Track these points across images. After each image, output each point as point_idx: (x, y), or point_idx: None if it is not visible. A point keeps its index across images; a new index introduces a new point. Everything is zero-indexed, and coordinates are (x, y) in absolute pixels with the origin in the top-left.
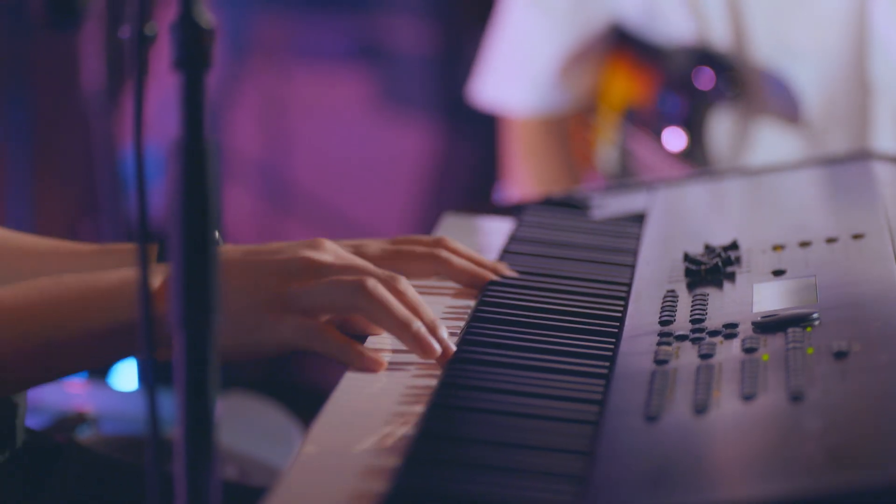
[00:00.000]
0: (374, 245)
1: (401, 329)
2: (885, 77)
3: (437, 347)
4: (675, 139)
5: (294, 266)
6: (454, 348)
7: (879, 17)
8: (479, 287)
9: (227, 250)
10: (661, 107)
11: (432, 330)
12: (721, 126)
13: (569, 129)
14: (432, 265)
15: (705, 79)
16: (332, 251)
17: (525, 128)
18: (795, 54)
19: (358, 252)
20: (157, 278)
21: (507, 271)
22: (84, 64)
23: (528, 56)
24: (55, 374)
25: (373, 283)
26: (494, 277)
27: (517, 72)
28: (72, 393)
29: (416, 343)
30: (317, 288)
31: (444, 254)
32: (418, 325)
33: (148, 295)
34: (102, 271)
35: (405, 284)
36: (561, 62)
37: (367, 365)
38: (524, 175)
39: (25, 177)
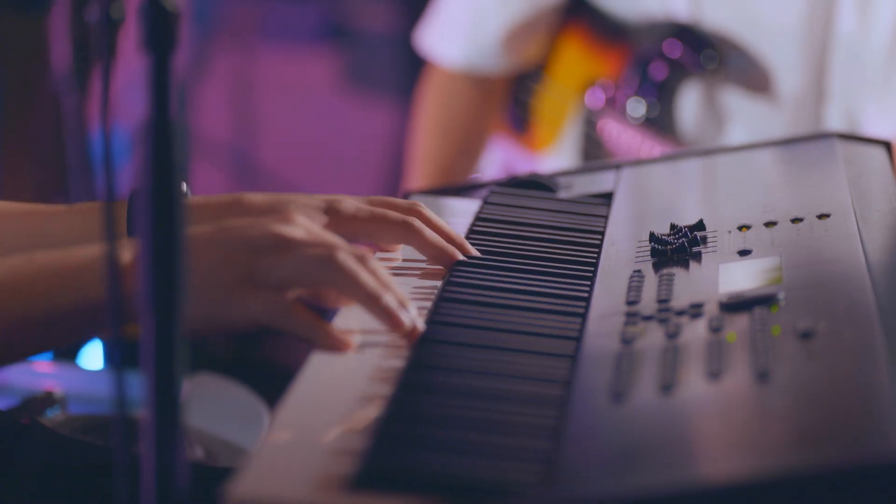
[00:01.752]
0: (350, 203)
1: (370, 301)
2: (844, 79)
3: (407, 321)
4: (640, 108)
5: (264, 241)
6: (423, 327)
7: (844, 20)
8: (445, 264)
9: (196, 225)
10: (633, 80)
11: (402, 307)
12: (690, 99)
13: (492, 84)
14: (403, 233)
15: (676, 51)
16: (302, 225)
17: (447, 75)
18: (754, 35)
19: (332, 206)
20: (128, 253)
21: (474, 251)
22: (52, 46)
23: (476, 15)
24: (27, 351)
25: (343, 256)
26: (460, 257)
27: (461, 27)
28: (39, 373)
29: (385, 316)
30: (286, 262)
31: (417, 224)
32: (388, 298)
33: (116, 269)
34: (73, 249)
35: (375, 262)
36: (509, 28)
37: (335, 344)
38: (428, 126)
39: None
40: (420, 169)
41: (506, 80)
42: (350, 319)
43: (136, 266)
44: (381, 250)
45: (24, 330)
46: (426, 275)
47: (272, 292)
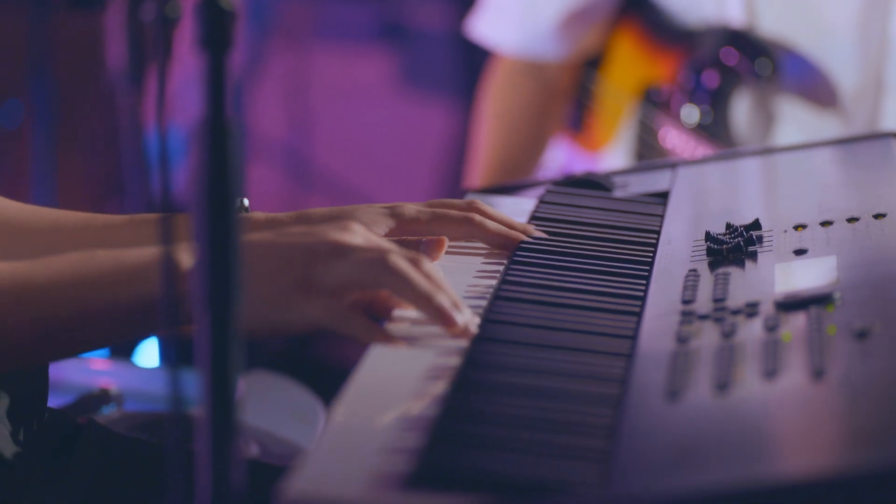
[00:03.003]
0: (411, 207)
1: (423, 302)
2: None
3: (460, 320)
4: (694, 114)
5: (322, 248)
6: (475, 327)
7: None
8: (511, 249)
9: (257, 230)
10: (688, 86)
11: (455, 307)
12: (744, 106)
13: (553, 78)
14: (467, 228)
15: (731, 58)
16: (360, 233)
17: (510, 63)
18: (810, 38)
19: (394, 213)
20: (186, 255)
21: (537, 232)
22: (107, 44)
23: (533, 1)
24: (84, 347)
25: (395, 258)
26: (525, 238)
27: (517, 13)
28: (96, 370)
29: (438, 315)
30: (341, 266)
31: (478, 218)
32: (441, 298)
33: (172, 273)
34: (133, 248)
35: (429, 264)
36: (564, 14)
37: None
38: (492, 114)
39: (49, 158)
40: (483, 162)
41: (568, 74)
42: (406, 315)
43: (194, 262)
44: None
45: (83, 324)
46: (482, 274)
47: (329, 296)
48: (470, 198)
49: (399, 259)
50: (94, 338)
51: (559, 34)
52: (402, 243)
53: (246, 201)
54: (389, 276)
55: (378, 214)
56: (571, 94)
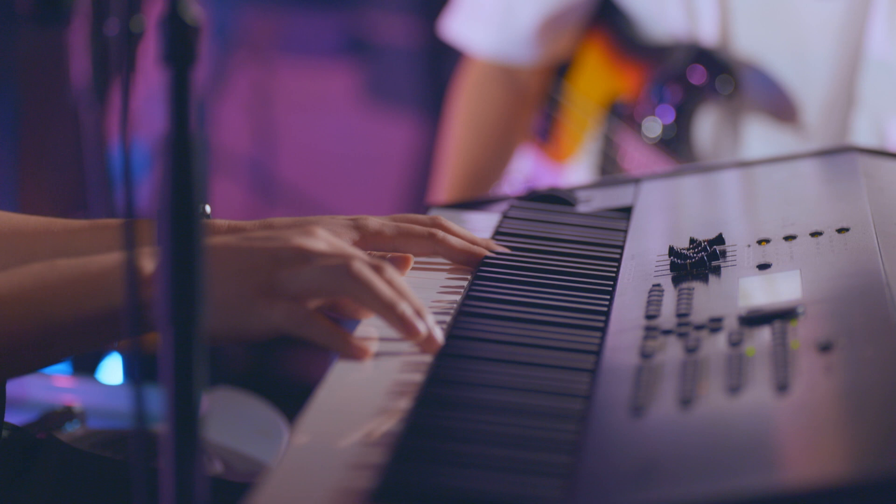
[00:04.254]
0: (375, 220)
1: (386, 310)
2: (871, 93)
3: (423, 329)
4: (656, 128)
5: (285, 253)
6: (440, 336)
7: (874, 31)
8: (475, 265)
9: (220, 235)
10: (651, 100)
11: (418, 315)
12: (708, 123)
13: (524, 85)
14: (430, 244)
15: (703, 78)
16: (324, 238)
17: (481, 66)
18: (784, 55)
19: (358, 225)
20: (149, 262)
21: (499, 248)
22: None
23: (510, 3)
24: (51, 358)
25: (358, 265)
26: (488, 252)
27: (493, 15)
28: (59, 387)
29: (401, 324)
30: (304, 272)
31: (441, 234)
32: (404, 306)
33: (135, 280)
34: (95, 256)
35: (392, 271)
36: (544, 17)
37: (354, 352)
38: (461, 118)
39: (12, 173)
40: (451, 168)
41: (538, 81)
42: (369, 329)
43: (157, 275)
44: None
45: (49, 335)
46: (446, 290)
47: (292, 301)
48: (433, 213)
49: (363, 266)
50: (60, 348)
51: (537, 38)
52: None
53: (208, 207)
54: (352, 282)
55: (341, 226)
56: (541, 102)
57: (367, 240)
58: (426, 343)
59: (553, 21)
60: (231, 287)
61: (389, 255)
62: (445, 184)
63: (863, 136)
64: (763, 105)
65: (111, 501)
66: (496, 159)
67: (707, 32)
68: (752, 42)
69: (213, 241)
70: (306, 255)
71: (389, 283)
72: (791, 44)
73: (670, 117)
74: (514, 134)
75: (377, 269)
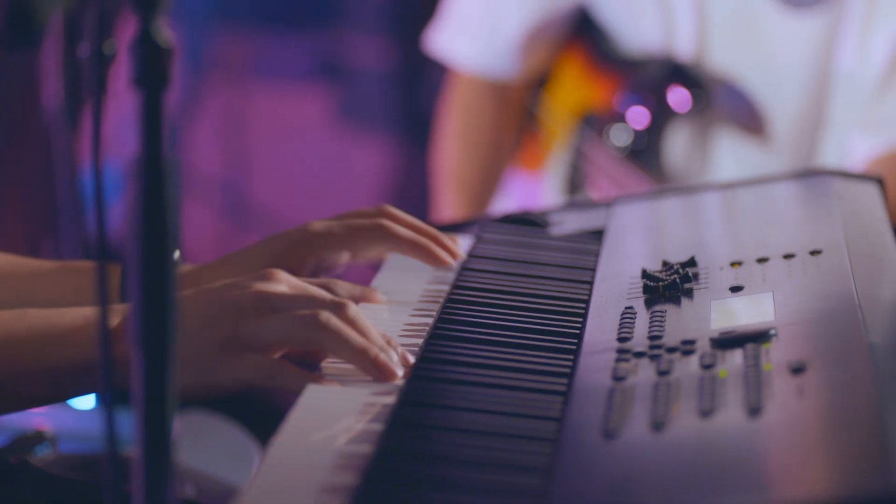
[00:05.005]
0: (321, 223)
1: (359, 357)
2: (840, 110)
3: (398, 371)
4: (624, 139)
5: (247, 301)
6: (404, 367)
7: (845, 50)
8: (424, 257)
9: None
10: (622, 113)
11: (383, 350)
12: (678, 138)
13: (512, 98)
14: (377, 236)
15: (678, 97)
16: (285, 281)
17: (468, 82)
18: (758, 71)
19: (305, 234)
20: (117, 317)
21: (448, 240)
22: (43, 82)
23: (494, 15)
24: (14, 406)
25: (325, 316)
26: (435, 251)
27: (477, 28)
28: (30, 411)
29: (375, 369)
30: (271, 324)
31: (387, 223)
32: (375, 351)
33: (106, 314)
34: (67, 309)
35: (354, 311)
36: (527, 30)
37: None
38: (453, 134)
39: None
40: (449, 184)
41: (522, 91)
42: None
43: (127, 327)
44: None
45: (15, 385)
46: (418, 313)
47: (258, 354)
48: None
49: (329, 316)
50: (27, 398)
51: (521, 50)
52: (324, 283)
53: (177, 254)
54: (321, 334)
55: (291, 242)
56: (525, 114)
57: (314, 243)
58: (386, 375)
59: (536, 34)
60: (194, 343)
61: (361, 290)
62: (447, 201)
63: (831, 154)
64: (734, 120)
65: None
66: (492, 174)
67: (683, 48)
68: (725, 58)
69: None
70: (269, 301)
71: (352, 323)
72: (763, 60)
73: (640, 131)
74: (505, 147)
75: (342, 313)
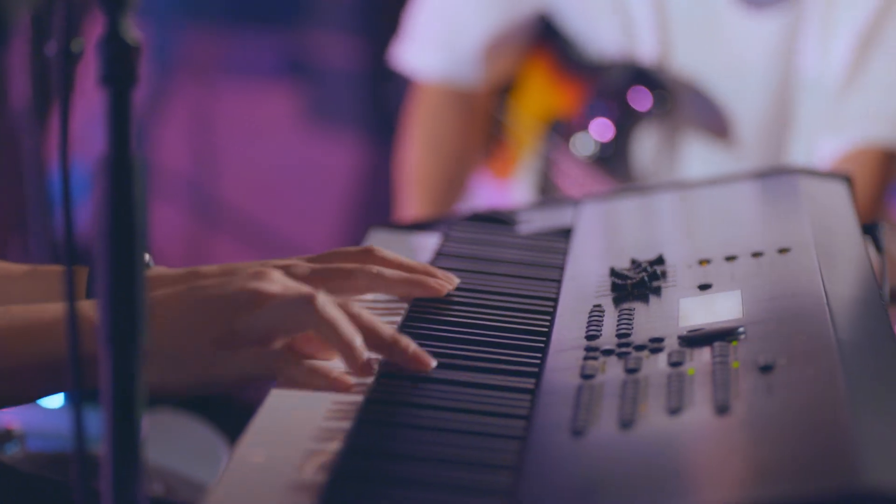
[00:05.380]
0: (302, 265)
1: (345, 347)
2: (805, 110)
3: (373, 371)
4: (590, 146)
5: (241, 299)
6: (430, 360)
7: (806, 51)
8: (417, 295)
9: (169, 285)
10: (588, 119)
11: (395, 343)
12: (646, 141)
13: (478, 106)
14: (365, 281)
15: (641, 99)
16: (277, 280)
17: (432, 90)
18: (722, 74)
19: (287, 272)
20: (93, 312)
21: (440, 274)
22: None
23: (454, 26)
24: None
25: (322, 299)
26: (431, 283)
27: (439, 39)
28: None
29: (356, 364)
30: (265, 313)
31: (375, 269)
32: (360, 347)
33: (74, 316)
34: (49, 304)
35: (359, 307)
36: (489, 38)
37: (336, 386)
38: (417, 142)
39: None
40: (413, 195)
41: (487, 99)
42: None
43: (97, 297)
44: None
45: None
46: (386, 311)
47: (255, 347)
48: (374, 234)
49: (325, 300)
50: (8, 394)
51: (483, 58)
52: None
53: (147, 257)
54: (316, 317)
55: None
56: (491, 121)
57: None
58: (417, 362)
59: (498, 41)
60: (189, 340)
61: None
62: (411, 207)
63: (798, 154)
64: (699, 124)
65: None
66: (457, 182)
67: (645, 52)
68: (689, 61)
69: (160, 293)
70: (263, 299)
71: (356, 317)
72: (726, 62)
73: (608, 135)
74: (470, 155)
75: (342, 306)
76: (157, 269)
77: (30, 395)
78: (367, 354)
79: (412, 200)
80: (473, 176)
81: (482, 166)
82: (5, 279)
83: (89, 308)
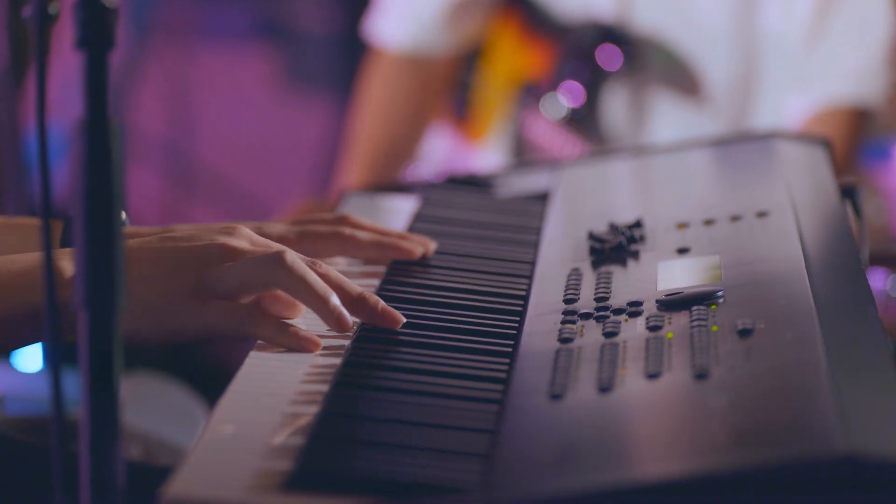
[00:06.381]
0: (277, 227)
1: (318, 302)
2: (771, 67)
3: (350, 322)
4: (561, 107)
5: (211, 252)
6: (400, 316)
7: (768, 7)
8: (395, 252)
9: (141, 237)
10: (557, 80)
11: (362, 300)
12: (616, 101)
13: (434, 72)
14: (338, 244)
15: (610, 56)
16: (247, 237)
17: (389, 56)
18: (683, 31)
19: (260, 232)
20: (69, 263)
21: (415, 239)
22: None
23: None
24: None
25: (291, 256)
26: (404, 245)
27: (402, 8)
28: None
29: (332, 317)
30: (236, 267)
31: (348, 231)
32: (335, 301)
33: (52, 275)
34: (18, 255)
35: (326, 266)
36: (450, 5)
37: (304, 345)
38: (369, 105)
39: None
40: (358, 153)
41: (450, 67)
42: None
43: (74, 261)
44: None
45: None
46: (363, 274)
47: (226, 301)
48: (350, 199)
49: (294, 257)
50: None
51: (446, 24)
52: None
53: (124, 215)
54: (286, 273)
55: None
56: (453, 86)
57: None
58: (386, 319)
59: (461, 7)
60: (158, 290)
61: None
62: (352, 170)
63: (766, 111)
64: (667, 81)
65: (30, 486)
66: (404, 147)
67: (604, 10)
68: (652, 19)
69: (132, 242)
70: (233, 254)
71: (327, 278)
72: (688, 21)
73: (577, 95)
74: (422, 120)
75: (312, 263)
76: (130, 228)
77: (7, 346)
78: (341, 307)
79: (354, 163)
80: (425, 140)
81: (454, 130)
82: None
83: (60, 256)
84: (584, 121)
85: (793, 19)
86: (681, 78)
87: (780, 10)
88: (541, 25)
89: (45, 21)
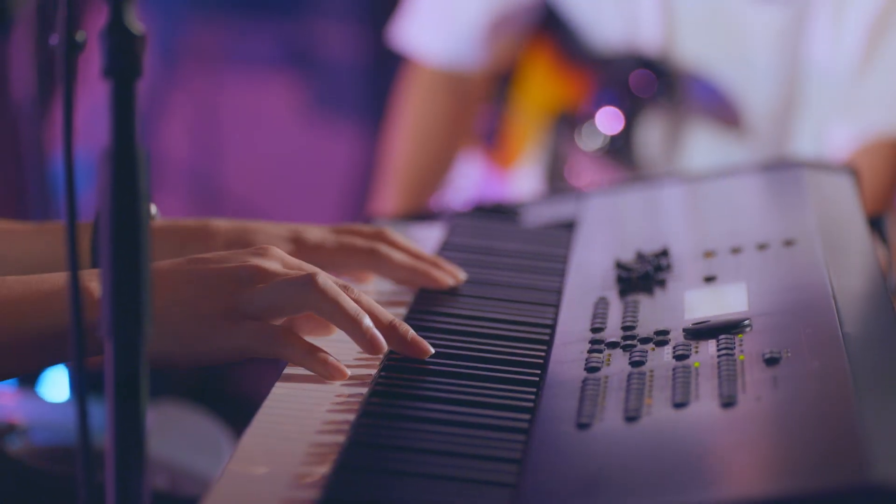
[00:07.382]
0: (315, 231)
1: (351, 324)
2: (814, 97)
3: (384, 344)
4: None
5: (243, 273)
6: (429, 346)
7: (815, 38)
8: (420, 284)
9: (163, 250)
10: (595, 110)
11: (393, 328)
12: (652, 131)
13: (469, 91)
14: (372, 260)
15: (647, 85)
16: (278, 258)
17: (426, 74)
18: (727, 63)
19: (298, 235)
20: (97, 283)
21: (448, 266)
22: (13, 70)
23: (455, 4)
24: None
25: (323, 279)
26: (435, 273)
27: (440, 20)
28: (1, 403)
29: (365, 339)
30: (268, 289)
31: (384, 249)
32: (369, 322)
33: (81, 301)
34: (47, 274)
35: (358, 291)
36: (490, 19)
37: (332, 372)
38: (406, 125)
39: None
40: (396, 175)
41: (481, 86)
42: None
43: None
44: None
45: None
46: (391, 301)
47: (257, 322)
48: (378, 224)
49: (326, 279)
50: (6, 367)
51: (485, 40)
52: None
53: (154, 208)
54: (317, 296)
55: (279, 238)
56: (486, 107)
57: (305, 253)
58: (415, 349)
59: (499, 23)
60: (190, 312)
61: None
62: (389, 192)
63: (806, 142)
64: (707, 113)
65: None
66: (440, 167)
67: (649, 41)
68: (695, 50)
69: (163, 265)
70: (264, 276)
71: (357, 300)
72: (734, 51)
73: (617, 126)
74: (457, 141)
75: (342, 286)
76: (163, 221)
77: (28, 367)
78: (374, 329)
79: (392, 188)
80: (457, 163)
81: (485, 156)
82: (12, 234)
83: (89, 278)
84: (620, 151)
85: (841, 51)
86: (721, 109)
87: (828, 41)
88: (575, 54)
89: (73, 49)
